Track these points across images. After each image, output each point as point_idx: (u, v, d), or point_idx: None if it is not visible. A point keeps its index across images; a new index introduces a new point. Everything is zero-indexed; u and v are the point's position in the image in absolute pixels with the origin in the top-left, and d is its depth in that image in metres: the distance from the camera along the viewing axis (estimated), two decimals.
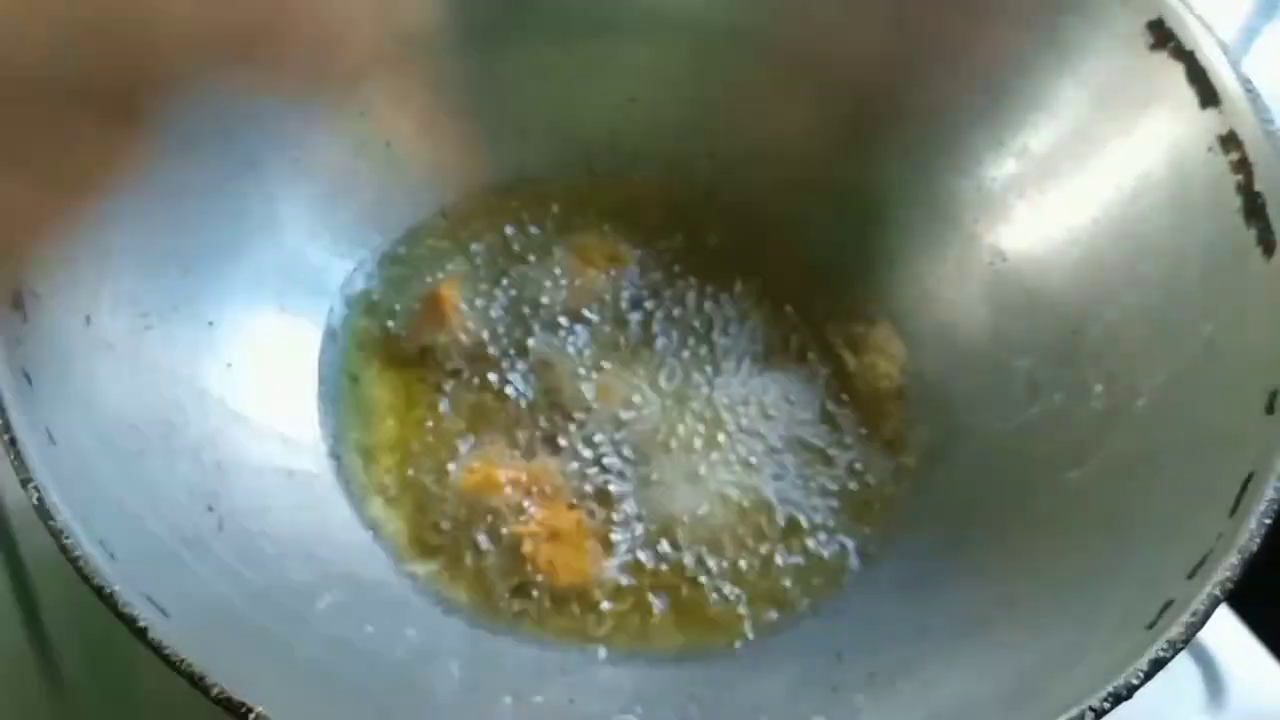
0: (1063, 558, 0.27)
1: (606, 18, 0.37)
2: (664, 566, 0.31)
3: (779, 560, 0.32)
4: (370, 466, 0.32)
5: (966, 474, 0.32)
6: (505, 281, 0.36)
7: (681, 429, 0.34)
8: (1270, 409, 0.24)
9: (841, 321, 0.37)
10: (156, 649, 0.20)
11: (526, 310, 0.36)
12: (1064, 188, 0.33)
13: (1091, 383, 0.30)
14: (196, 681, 0.20)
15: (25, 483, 0.21)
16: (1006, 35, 0.34)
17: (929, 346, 0.35)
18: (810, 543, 0.32)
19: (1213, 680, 0.35)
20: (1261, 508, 0.23)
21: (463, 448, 0.33)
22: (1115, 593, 0.25)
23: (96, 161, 0.18)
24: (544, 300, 0.36)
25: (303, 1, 0.18)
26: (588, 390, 0.34)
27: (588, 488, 0.32)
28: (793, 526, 0.32)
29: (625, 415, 0.34)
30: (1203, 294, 0.28)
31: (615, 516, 0.32)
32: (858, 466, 0.34)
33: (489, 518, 0.31)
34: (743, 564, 0.31)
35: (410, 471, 0.32)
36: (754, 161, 0.39)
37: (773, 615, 0.31)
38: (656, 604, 0.30)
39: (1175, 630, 0.21)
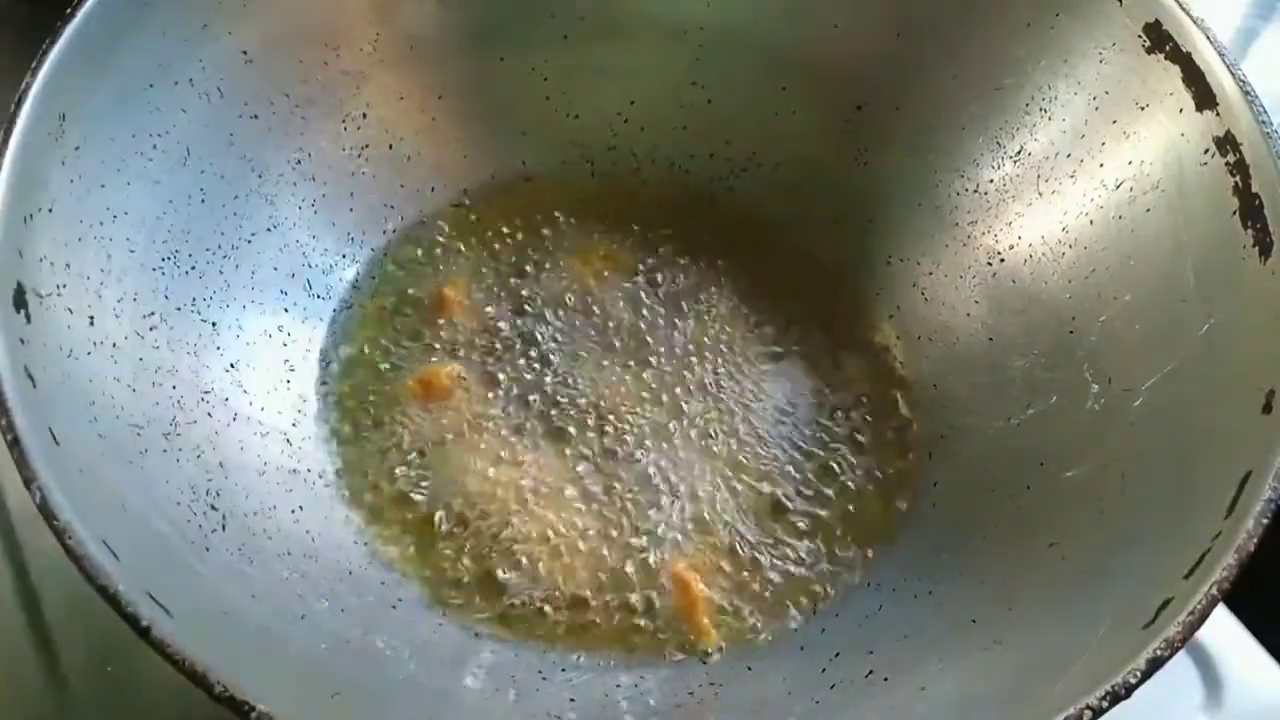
0: (1060, 557, 0.27)
1: (608, 21, 0.38)
2: (663, 566, 0.31)
3: (777, 558, 0.32)
4: (374, 467, 0.32)
5: (964, 474, 0.32)
6: (508, 281, 0.37)
7: (681, 428, 0.34)
8: (1268, 409, 0.25)
9: (840, 322, 0.37)
10: (159, 648, 0.20)
11: (529, 310, 0.36)
12: (1061, 190, 0.33)
13: (1089, 383, 0.30)
14: (199, 679, 0.20)
15: (28, 482, 0.21)
16: (1004, 38, 0.34)
17: (927, 347, 0.35)
18: (808, 542, 0.32)
19: (1211, 679, 0.35)
20: (1259, 508, 0.23)
21: (466, 448, 0.33)
22: (1113, 592, 0.25)
23: None
24: (546, 300, 0.36)
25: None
26: (588, 388, 0.34)
27: (590, 487, 0.32)
28: (791, 525, 0.32)
29: (625, 413, 0.34)
30: (1199, 295, 0.28)
31: (615, 515, 0.32)
32: (856, 466, 0.34)
33: (492, 518, 0.31)
34: (741, 562, 0.31)
35: (413, 472, 0.32)
36: (754, 163, 0.39)
37: (772, 613, 0.31)
38: (656, 602, 0.31)
39: (1173, 630, 0.22)
